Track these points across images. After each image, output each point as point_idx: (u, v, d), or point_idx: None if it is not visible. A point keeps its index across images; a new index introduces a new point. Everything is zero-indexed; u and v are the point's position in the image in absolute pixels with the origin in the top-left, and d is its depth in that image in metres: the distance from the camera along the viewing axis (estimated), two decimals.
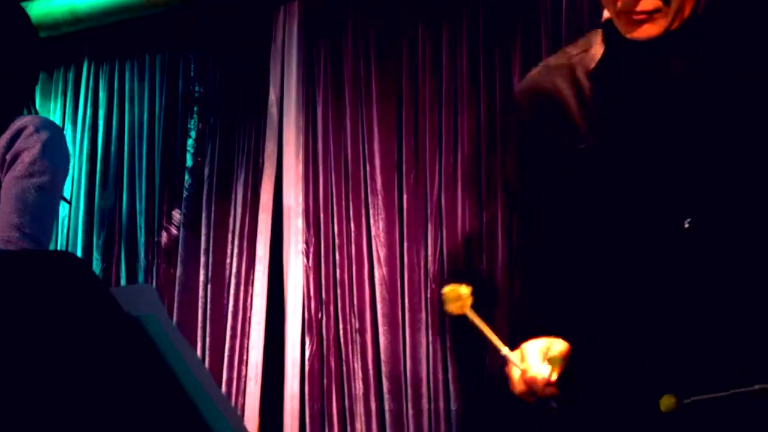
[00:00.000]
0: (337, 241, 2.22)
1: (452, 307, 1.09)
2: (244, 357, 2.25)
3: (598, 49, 1.25)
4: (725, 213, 1.11)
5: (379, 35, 2.26)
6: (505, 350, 1.10)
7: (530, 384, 1.06)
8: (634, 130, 1.19)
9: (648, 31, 1.14)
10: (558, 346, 1.10)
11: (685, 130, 1.16)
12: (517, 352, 1.12)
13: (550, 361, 1.09)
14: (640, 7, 1.09)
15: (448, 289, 1.08)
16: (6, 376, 0.50)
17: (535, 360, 1.09)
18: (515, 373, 1.09)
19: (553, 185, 1.27)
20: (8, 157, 1.56)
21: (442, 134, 2.13)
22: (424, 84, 2.15)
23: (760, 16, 1.18)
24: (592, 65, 1.23)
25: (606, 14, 1.18)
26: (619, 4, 1.10)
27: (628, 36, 1.14)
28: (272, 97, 2.36)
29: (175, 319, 2.35)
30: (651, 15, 1.11)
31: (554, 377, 1.06)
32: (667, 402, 1.01)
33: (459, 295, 1.08)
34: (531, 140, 1.32)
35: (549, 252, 1.29)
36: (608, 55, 1.21)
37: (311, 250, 2.28)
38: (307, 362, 2.20)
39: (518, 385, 1.09)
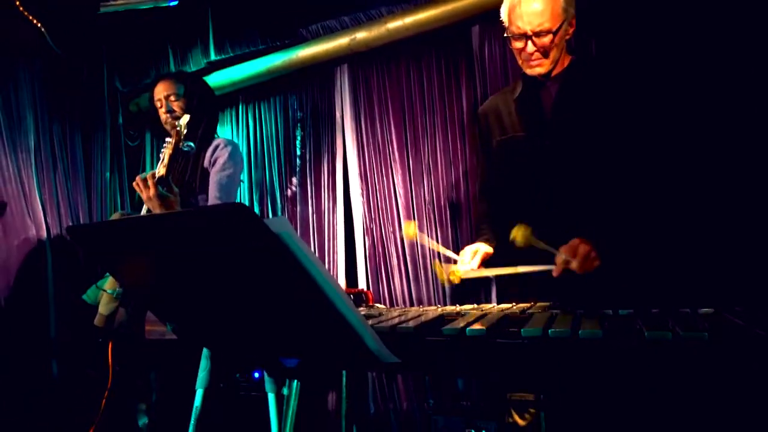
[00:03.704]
0: (377, 187, 3.21)
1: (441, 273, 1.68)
2: (336, 249, 3.34)
3: (519, 86, 1.90)
4: (574, 168, 1.68)
5: (390, 76, 3.21)
6: (450, 253, 1.77)
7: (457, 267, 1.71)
8: (533, 125, 1.82)
9: (537, 70, 1.77)
10: (483, 247, 1.78)
11: (554, 122, 1.77)
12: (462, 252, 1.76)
13: (476, 257, 1.72)
14: (531, 58, 1.74)
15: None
16: (217, 270, 0.94)
17: (467, 256, 1.74)
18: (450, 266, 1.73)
19: (494, 154, 1.94)
20: (212, 160, 2.41)
21: (427, 128, 3.08)
22: (414, 102, 3.11)
23: (601, 79, 1.77)
24: (517, 94, 1.89)
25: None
26: (522, 55, 1.77)
27: (528, 73, 1.78)
28: (338, 114, 3.37)
29: (298, 232, 3.51)
30: (538, 62, 1.75)
31: (475, 266, 1.71)
32: (522, 233, 1.54)
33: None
34: (483, 134, 2.00)
35: (493, 186, 1.98)
36: (524, 88, 1.86)
37: (364, 193, 3.27)
38: (368, 250, 3.23)
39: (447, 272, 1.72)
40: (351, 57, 3.29)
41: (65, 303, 3.49)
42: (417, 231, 1.78)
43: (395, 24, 3.05)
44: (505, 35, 1.78)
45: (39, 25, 3.54)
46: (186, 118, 2.16)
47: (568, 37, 1.77)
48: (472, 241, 1.89)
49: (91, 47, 3.81)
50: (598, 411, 1.23)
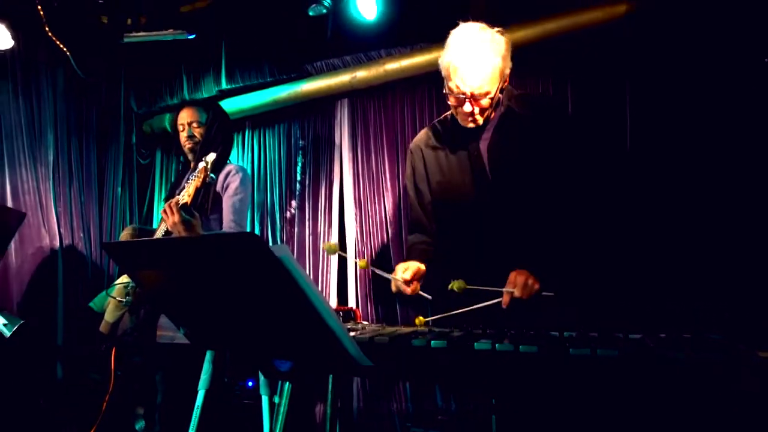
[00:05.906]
0: (370, 212, 3.44)
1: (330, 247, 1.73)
2: (329, 269, 3.54)
3: (449, 122, 1.92)
4: (510, 212, 1.77)
5: (386, 111, 3.46)
6: (389, 276, 1.78)
7: (399, 287, 1.77)
8: (469, 172, 1.85)
9: (470, 126, 1.83)
10: (415, 264, 1.84)
11: (490, 171, 1.84)
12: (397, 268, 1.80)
13: (408, 270, 1.76)
14: (467, 116, 1.79)
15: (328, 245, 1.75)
16: (227, 284, 1.15)
17: (399, 272, 1.77)
18: (393, 284, 1.78)
19: (432, 193, 2.00)
20: (225, 185, 2.68)
21: None
22: (407, 135, 3.32)
23: (532, 121, 1.82)
24: (449, 133, 1.90)
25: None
26: (458, 110, 1.80)
27: (462, 125, 1.84)
28: (336, 141, 3.61)
29: (295, 253, 3.62)
30: (472, 119, 1.80)
31: (408, 277, 1.74)
32: (457, 285, 1.65)
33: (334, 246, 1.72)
34: (415, 169, 2.06)
35: (421, 218, 2.05)
36: (458, 134, 1.88)
37: (357, 218, 3.48)
38: (359, 271, 3.43)
39: (394, 288, 1.78)
40: (351, 92, 3.55)
41: (73, 310, 3.70)
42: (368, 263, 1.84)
43: (392, 66, 3.33)
44: (445, 91, 1.78)
45: (65, 49, 3.82)
46: (212, 156, 2.23)
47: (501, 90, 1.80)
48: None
49: (110, 69, 4.07)
50: (537, 413, 1.45)
